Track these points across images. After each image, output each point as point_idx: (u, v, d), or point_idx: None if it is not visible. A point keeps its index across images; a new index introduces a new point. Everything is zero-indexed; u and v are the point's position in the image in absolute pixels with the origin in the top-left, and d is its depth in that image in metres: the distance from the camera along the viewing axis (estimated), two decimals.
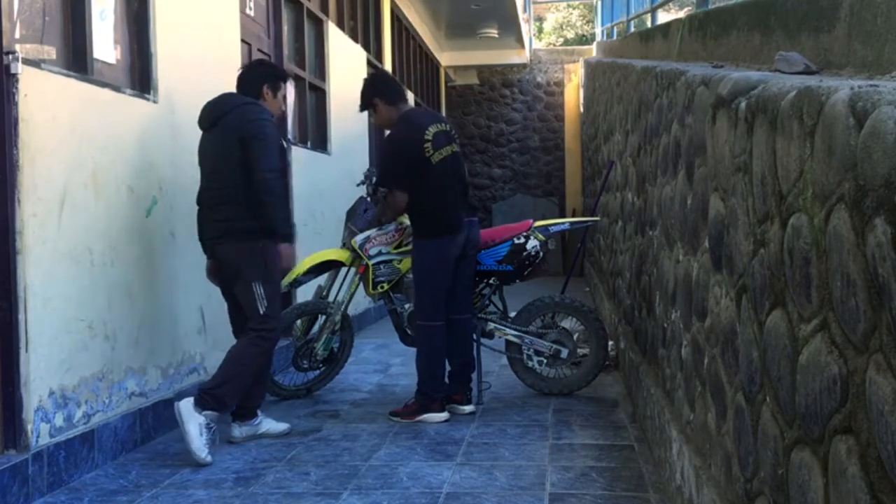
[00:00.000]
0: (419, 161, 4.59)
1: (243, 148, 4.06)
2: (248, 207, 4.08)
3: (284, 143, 4.40)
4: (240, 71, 4.49)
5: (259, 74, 4.39)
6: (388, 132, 4.85)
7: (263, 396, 4.46)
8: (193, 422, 3.90)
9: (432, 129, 4.68)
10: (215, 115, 4.18)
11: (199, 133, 4.27)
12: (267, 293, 4.13)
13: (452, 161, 4.75)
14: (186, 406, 3.92)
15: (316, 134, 7.58)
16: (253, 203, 4.07)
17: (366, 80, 5.03)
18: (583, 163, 13.17)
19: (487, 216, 13.84)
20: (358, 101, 4.97)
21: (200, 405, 3.93)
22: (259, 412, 4.35)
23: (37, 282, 3.40)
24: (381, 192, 5.29)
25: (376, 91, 4.84)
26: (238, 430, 4.26)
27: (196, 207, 4.26)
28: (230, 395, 4.04)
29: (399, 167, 4.63)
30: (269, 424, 4.35)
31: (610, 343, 5.61)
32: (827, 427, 1.55)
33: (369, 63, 9.34)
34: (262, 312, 4.12)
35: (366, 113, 5.05)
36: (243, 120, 4.10)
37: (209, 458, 3.91)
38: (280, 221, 4.14)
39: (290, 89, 6.50)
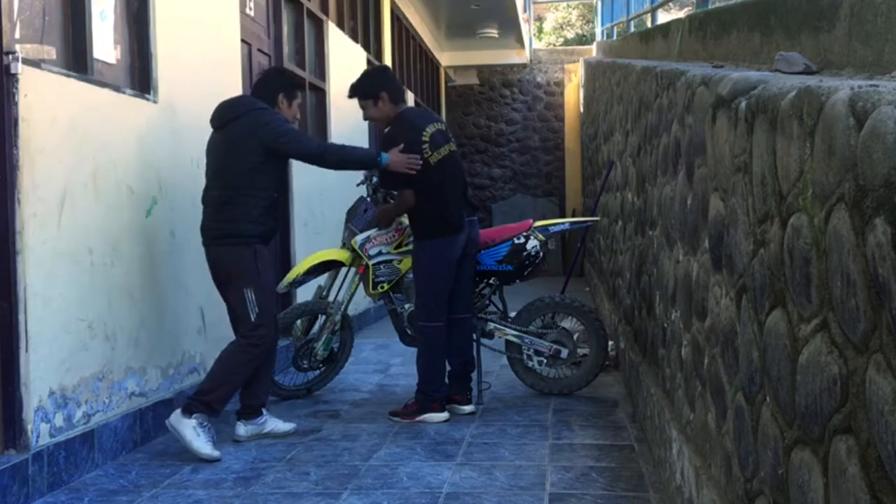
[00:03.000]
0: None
1: (272, 153, 4.16)
2: (249, 211, 4.10)
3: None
4: (257, 77, 4.59)
5: (276, 83, 4.43)
6: (386, 133, 4.78)
7: (267, 394, 4.45)
8: (186, 427, 3.94)
9: (430, 130, 4.65)
10: (228, 116, 4.20)
11: (199, 133, 4.27)
12: (259, 300, 4.12)
13: (450, 161, 4.73)
14: (175, 417, 3.98)
15: (316, 134, 7.58)
16: (258, 207, 4.12)
17: (374, 70, 4.88)
18: (583, 163, 13.17)
19: (487, 216, 13.83)
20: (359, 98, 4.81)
21: (189, 411, 3.97)
22: (264, 410, 4.35)
23: (37, 282, 3.40)
24: (380, 195, 5.30)
25: (386, 84, 4.75)
26: (244, 429, 4.26)
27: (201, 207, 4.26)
28: (219, 401, 4.05)
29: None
30: (274, 423, 4.35)
31: (610, 343, 5.61)
32: (827, 427, 1.55)
33: (369, 63, 9.34)
34: (252, 320, 4.11)
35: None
36: (258, 125, 4.12)
37: (216, 453, 3.95)
38: (365, 159, 4.57)
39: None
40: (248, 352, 4.13)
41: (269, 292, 4.26)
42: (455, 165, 4.80)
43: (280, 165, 4.37)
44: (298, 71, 7.05)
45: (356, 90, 4.80)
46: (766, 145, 1.97)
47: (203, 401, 3.99)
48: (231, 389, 4.12)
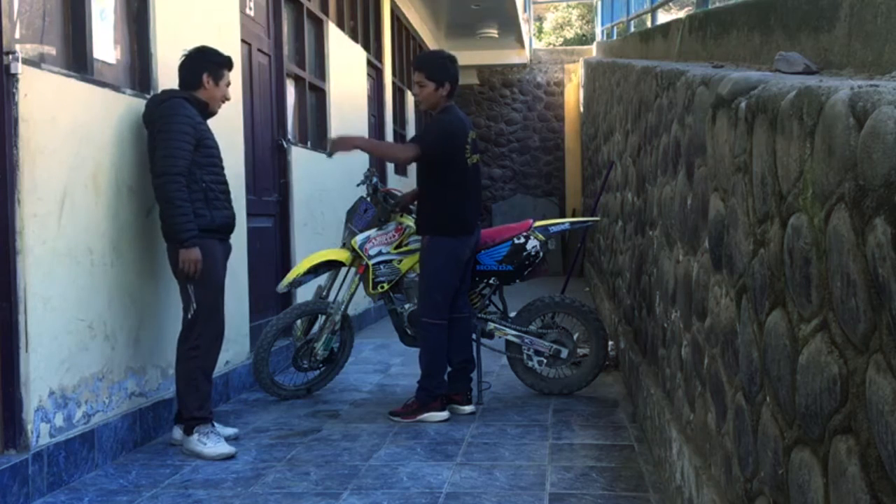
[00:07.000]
0: (457, 157, 4.66)
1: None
2: None
3: (212, 140, 4.17)
4: (180, 59, 4.23)
5: (198, 63, 4.18)
6: (438, 119, 4.77)
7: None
8: (192, 444, 4.03)
9: (472, 134, 4.78)
10: (146, 114, 4.09)
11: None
12: (199, 296, 4.05)
13: (475, 170, 4.85)
14: (183, 440, 4.08)
15: (316, 134, 7.58)
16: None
17: (451, 57, 4.82)
18: (583, 163, 13.17)
19: (487, 216, 13.84)
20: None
21: (188, 431, 4.06)
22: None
23: (37, 282, 3.40)
24: (381, 194, 5.31)
25: (455, 75, 4.75)
26: (178, 433, 4.20)
27: None
28: (199, 408, 4.06)
29: (441, 143, 4.63)
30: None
31: (610, 343, 5.61)
32: (827, 427, 1.55)
33: (369, 63, 9.34)
34: (189, 317, 4.06)
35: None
36: (155, 117, 4.00)
37: (228, 449, 4.02)
38: (174, 227, 3.96)
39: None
40: (194, 357, 4.07)
41: (212, 289, 4.11)
42: (479, 174, 4.92)
43: (202, 153, 4.04)
44: (298, 71, 7.06)
45: (429, 67, 4.73)
46: (766, 145, 1.97)
47: (187, 417, 4.06)
48: (203, 391, 4.08)
